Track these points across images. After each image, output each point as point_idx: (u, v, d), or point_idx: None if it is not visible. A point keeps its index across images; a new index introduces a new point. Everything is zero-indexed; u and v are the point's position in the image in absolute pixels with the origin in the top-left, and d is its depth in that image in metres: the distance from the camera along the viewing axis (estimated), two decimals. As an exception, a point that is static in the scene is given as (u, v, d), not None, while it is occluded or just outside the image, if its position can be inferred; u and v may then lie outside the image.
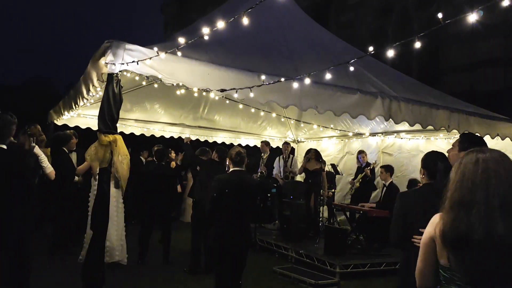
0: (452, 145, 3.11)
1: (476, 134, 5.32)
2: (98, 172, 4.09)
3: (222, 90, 4.03)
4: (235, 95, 4.14)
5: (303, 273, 6.04)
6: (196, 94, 4.54)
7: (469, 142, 2.93)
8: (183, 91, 5.00)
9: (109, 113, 3.95)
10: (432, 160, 3.06)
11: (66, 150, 6.57)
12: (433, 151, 3.18)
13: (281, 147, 10.90)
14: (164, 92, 7.32)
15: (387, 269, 6.40)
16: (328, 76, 4.23)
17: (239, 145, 11.01)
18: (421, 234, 1.99)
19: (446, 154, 3.10)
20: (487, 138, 6.04)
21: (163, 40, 4.89)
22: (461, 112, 5.86)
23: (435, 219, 1.84)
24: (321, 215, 8.67)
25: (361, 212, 7.24)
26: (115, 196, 4.69)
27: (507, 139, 6.21)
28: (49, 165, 4.27)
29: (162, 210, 6.61)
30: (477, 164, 1.68)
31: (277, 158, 9.42)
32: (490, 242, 1.58)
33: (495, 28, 9.99)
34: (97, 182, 4.21)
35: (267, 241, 7.82)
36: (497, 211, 1.58)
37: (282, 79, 4.19)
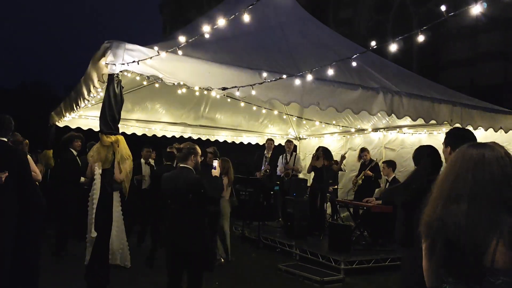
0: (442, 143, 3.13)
1: (466, 127, 5.31)
2: (100, 173, 4.08)
3: (224, 89, 4.00)
4: (237, 93, 4.11)
5: (308, 270, 6.05)
6: (197, 93, 4.51)
7: (454, 137, 2.99)
8: (184, 90, 4.97)
9: (111, 114, 3.93)
10: (418, 155, 3.08)
11: (74, 151, 6.56)
12: (421, 146, 3.20)
13: (283, 144, 10.90)
14: (165, 91, 7.30)
15: (391, 265, 6.39)
16: (329, 72, 4.20)
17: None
18: None
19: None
20: (490, 131, 6.03)
21: (162, 40, 4.86)
22: (464, 106, 5.83)
23: None
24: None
25: (365, 208, 7.22)
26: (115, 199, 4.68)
27: (511, 131, 6.18)
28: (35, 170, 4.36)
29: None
30: (471, 158, 1.64)
31: (281, 156, 9.43)
32: (469, 236, 1.55)
33: (494, 22, 9.95)
34: (95, 183, 4.21)
35: (271, 239, 7.82)
36: (484, 208, 1.55)
37: (284, 76, 4.16)
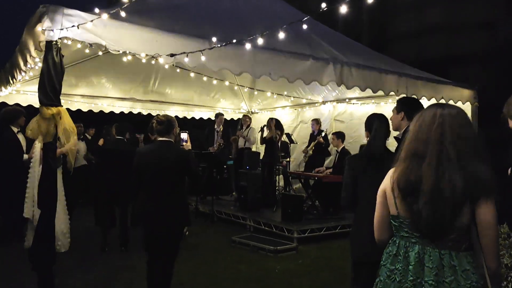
0: (392, 110, 3.31)
1: (413, 96, 5.57)
2: (41, 147, 3.81)
3: (172, 55, 3.84)
4: (186, 60, 3.95)
5: (262, 241, 6.15)
6: (144, 61, 4.29)
7: (403, 104, 3.22)
8: (130, 58, 4.71)
9: (51, 84, 3.65)
10: (369, 121, 3.17)
11: (14, 129, 6.05)
12: (373, 113, 3.31)
13: (235, 119, 10.89)
14: (112, 65, 6.97)
15: (342, 232, 6.66)
16: (281, 41, 4.15)
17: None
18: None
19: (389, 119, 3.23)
20: (432, 101, 6.30)
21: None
22: (409, 77, 6.02)
23: (390, 172, 1.88)
24: (277, 184, 8.81)
25: (316, 178, 7.40)
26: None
27: (451, 101, 6.49)
28: None
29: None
30: (434, 117, 1.74)
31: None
32: (438, 192, 1.65)
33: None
34: (34, 160, 3.93)
35: (225, 212, 7.85)
36: (454, 164, 1.65)
37: (234, 41, 4.06)
